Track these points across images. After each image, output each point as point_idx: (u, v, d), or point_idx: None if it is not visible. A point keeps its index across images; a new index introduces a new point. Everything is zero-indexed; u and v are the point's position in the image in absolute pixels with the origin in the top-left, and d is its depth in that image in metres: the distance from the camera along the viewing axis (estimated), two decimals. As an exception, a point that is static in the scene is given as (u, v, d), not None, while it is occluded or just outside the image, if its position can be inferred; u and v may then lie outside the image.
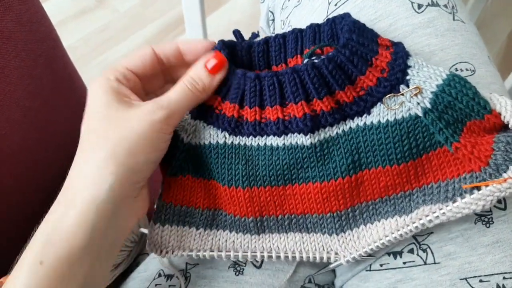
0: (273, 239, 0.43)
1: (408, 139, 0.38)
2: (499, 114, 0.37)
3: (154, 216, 0.43)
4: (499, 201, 0.40)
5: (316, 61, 0.39)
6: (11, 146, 0.56)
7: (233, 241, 0.43)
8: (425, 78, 0.38)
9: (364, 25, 0.41)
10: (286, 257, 0.42)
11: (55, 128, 0.65)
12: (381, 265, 0.43)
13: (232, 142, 0.41)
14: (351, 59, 0.38)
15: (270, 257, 0.42)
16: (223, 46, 0.41)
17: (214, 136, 0.41)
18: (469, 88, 0.37)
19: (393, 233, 0.39)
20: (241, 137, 0.41)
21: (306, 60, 0.41)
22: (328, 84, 0.39)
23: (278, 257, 0.42)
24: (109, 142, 0.35)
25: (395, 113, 0.39)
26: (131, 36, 1.69)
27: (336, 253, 0.42)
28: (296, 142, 0.40)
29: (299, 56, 0.44)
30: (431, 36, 0.44)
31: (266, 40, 0.44)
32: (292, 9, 0.55)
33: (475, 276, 0.39)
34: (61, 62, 0.66)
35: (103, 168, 0.35)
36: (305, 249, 0.43)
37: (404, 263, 0.41)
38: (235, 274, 0.46)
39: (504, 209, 0.40)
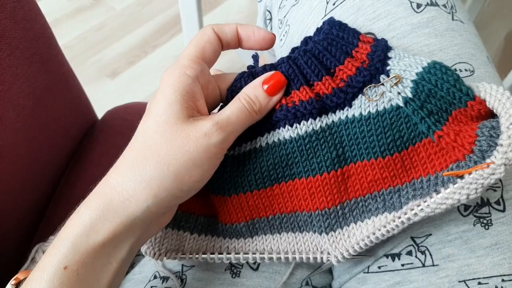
0: (266, 240, 0.43)
1: (391, 130, 0.37)
2: (484, 100, 0.35)
3: None
4: (497, 203, 0.40)
5: (292, 54, 0.39)
6: (4, 145, 0.56)
7: (227, 246, 0.43)
8: (405, 67, 0.37)
9: (346, 24, 0.40)
10: (279, 258, 0.42)
11: (50, 127, 0.64)
12: (379, 267, 0.42)
13: None
14: (329, 49, 0.38)
15: (263, 258, 0.42)
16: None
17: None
18: (450, 75, 0.36)
19: (379, 230, 0.38)
20: (229, 149, 0.40)
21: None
22: (305, 76, 0.39)
23: (271, 258, 0.42)
24: (159, 162, 0.34)
25: (376, 105, 0.38)
26: (127, 35, 1.69)
27: (328, 253, 0.41)
28: (279, 139, 0.39)
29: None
30: (430, 36, 0.43)
31: (274, 66, 0.42)
32: (289, 8, 0.55)
33: (474, 278, 0.38)
34: (56, 61, 0.65)
35: (147, 188, 0.33)
36: (299, 249, 0.42)
37: (403, 265, 0.41)
38: (232, 276, 0.45)
39: (503, 211, 0.40)
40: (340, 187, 0.40)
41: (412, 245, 0.41)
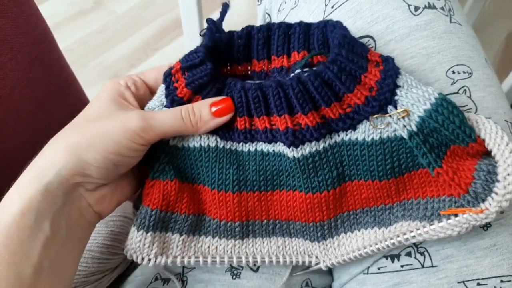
0: (256, 243, 0.43)
1: (391, 158, 0.39)
2: (483, 141, 0.36)
3: (136, 222, 0.41)
4: (496, 204, 0.40)
5: (303, 74, 0.38)
6: (6, 149, 0.56)
7: (216, 247, 0.43)
8: (413, 101, 0.37)
9: (354, 38, 0.40)
10: (270, 261, 0.42)
11: (51, 131, 0.65)
12: (378, 268, 0.43)
13: (223, 147, 0.41)
14: (339, 76, 0.38)
15: (254, 261, 0.43)
16: (206, 53, 0.40)
17: (204, 139, 0.41)
18: (456, 115, 0.36)
19: (371, 246, 0.40)
20: (232, 143, 0.41)
21: (297, 71, 0.40)
22: (314, 100, 0.39)
23: (263, 261, 0.42)
24: (78, 133, 0.37)
25: (380, 132, 0.39)
26: (129, 38, 1.69)
27: (317, 257, 0.43)
28: (283, 151, 0.40)
29: (285, 57, 0.44)
30: (428, 39, 0.44)
31: (248, 31, 0.44)
32: (288, 11, 0.55)
33: (473, 279, 0.38)
34: (57, 65, 0.66)
35: (59, 152, 0.36)
36: (287, 253, 0.43)
37: (402, 266, 0.41)
38: (232, 278, 0.45)
39: (502, 212, 0.40)
40: (336, 203, 0.41)
41: (411, 246, 0.41)
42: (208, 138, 0.41)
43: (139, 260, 0.41)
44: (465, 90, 0.43)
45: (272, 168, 0.41)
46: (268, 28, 0.44)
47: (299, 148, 0.39)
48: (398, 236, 0.38)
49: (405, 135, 0.38)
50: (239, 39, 0.44)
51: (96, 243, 0.50)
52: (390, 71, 0.38)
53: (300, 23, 0.43)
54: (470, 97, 0.42)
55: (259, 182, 0.42)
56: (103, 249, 0.49)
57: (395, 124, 0.38)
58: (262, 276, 0.46)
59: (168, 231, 0.42)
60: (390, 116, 0.38)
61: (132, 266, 0.54)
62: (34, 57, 0.59)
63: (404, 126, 0.38)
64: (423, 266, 0.40)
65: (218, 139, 0.41)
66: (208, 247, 0.43)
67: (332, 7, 0.49)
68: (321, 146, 0.39)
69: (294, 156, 0.39)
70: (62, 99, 0.67)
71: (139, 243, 0.40)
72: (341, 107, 0.39)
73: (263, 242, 0.43)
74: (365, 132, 0.39)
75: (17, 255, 0.33)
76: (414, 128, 0.37)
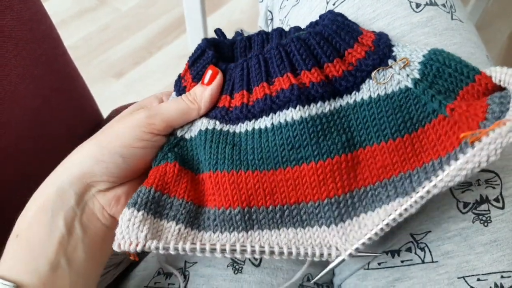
0: (263, 237, 0.38)
1: (401, 112, 0.37)
2: (490, 76, 0.35)
3: (129, 200, 0.37)
4: (497, 200, 0.40)
5: (302, 35, 0.39)
6: (11, 145, 0.56)
7: (214, 244, 0.37)
8: (411, 51, 0.38)
9: (347, 16, 0.42)
10: (281, 254, 0.36)
11: (55, 127, 0.65)
12: (379, 264, 0.43)
13: (221, 129, 0.41)
14: (338, 32, 0.39)
15: (261, 252, 0.36)
16: (208, 44, 0.42)
17: (205, 123, 0.41)
18: (453, 55, 0.37)
19: (395, 210, 0.34)
20: (230, 125, 0.41)
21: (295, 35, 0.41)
22: (316, 56, 0.39)
23: (272, 254, 0.36)
24: (93, 137, 0.40)
25: (385, 88, 0.38)
26: (132, 36, 1.70)
27: (337, 248, 0.36)
28: (285, 120, 0.38)
29: None
30: (429, 35, 0.44)
31: (249, 36, 0.45)
32: (290, 8, 0.55)
33: (473, 275, 0.39)
34: (62, 61, 0.66)
35: (75, 155, 0.40)
36: (302, 246, 0.37)
37: (402, 261, 0.41)
38: (234, 272, 0.46)
39: (502, 208, 0.40)
40: (350, 173, 0.38)
41: (411, 241, 0.41)
42: (208, 122, 0.41)
43: (126, 246, 0.35)
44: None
45: (272, 145, 0.38)
46: (267, 33, 0.45)
47: (305, 108, 0.38)
48: (424, 187, 0.33)
49: (410, 84, 0.37)
50: (240, 42, 0.45)
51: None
52: (384, 35, 0.40)
53: (295, 27, 0.45)
54: (471, 93, 0.43)
55: (257, 160, 0.39)
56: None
57: (398, 75, 0.38)
58: (264, 271, 0.46)
59: (163, 218, 0.38)
60: (391, 67, 0.38)
61: (135, 262, 0.54)
62: (39, 54, 0.59)
63: (407, 75, 0.37)
64: (423, 262, 0.41)
65: (217, 123, 0.41)
66: (209, 241, 0.38)
67: (334, 4, 0.49)
68: (327, 109, 0.38)
69: (301, 117, 0.37)
70: (67, 96, 0.68)
71: (128, 222, 0.36)
72: (344, 64, 0.39)
73: (272, 236, 0.38)
74: (370, 90, 0.38)
75: (36, 251, 0.35)
76: (418, 75, 0.37)
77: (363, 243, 0.35)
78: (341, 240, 0.36)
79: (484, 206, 0.40)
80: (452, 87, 0.36)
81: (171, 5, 1.78)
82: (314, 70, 0.38)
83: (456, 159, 0.32)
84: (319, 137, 0.38)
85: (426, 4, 0.45)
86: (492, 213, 0.40)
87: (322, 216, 0.37)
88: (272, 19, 0.63)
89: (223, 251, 0.36)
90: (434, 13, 0.45)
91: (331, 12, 0.41)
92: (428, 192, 0.33)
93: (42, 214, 0.36)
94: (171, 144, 0.41)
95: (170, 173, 0.39)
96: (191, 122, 0.42)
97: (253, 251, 0.36)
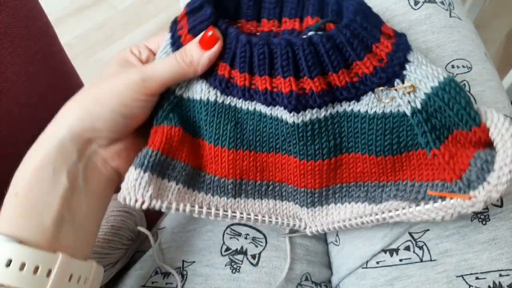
0: (248, 204, 0.43)
1: (391, 134, 0.38)
2: (488, 129, 0.35)
3: (135, 161, 0.39)
4: (495, 198, 0.40)
5: (315, 36, 0.37)
6: (8, 142, 0.56)
7: (209, 203, 0.42)
8: (421, 77, 0.37)
9: (370, 8, 0.39)
10: (263, 220, 0.42)
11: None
12: (377, 263, 0.43)
13: (223, 102, 0.40)
14: (351, 41, 0.37)
15: (248, 219, 0.42)
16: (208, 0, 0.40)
17: (205, 92, 0.40)
18: (463, 96, 0.35)
19: (356, 219, 0.39)
20: (232, 98, 0.40)
21: (310, 33, 0.39)
22: (323, 64, 0.37)
23: (256, 220, 0.42)
24: (88, 93, 0.39)
25: (384, 106, 0.38)
26: (129, 34, 1.69)
27: (305, 222, 0.43)
28: (281, 116, 0.39)
29: (297, 20, 0.43)
30: (428, 33, 0.44)
31: None
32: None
33: (472, 273, 0.39)
34: (58, 59, 0.66)
35: (71, 110, 0.38)
36: (278, 214, 0.43)
37: (401, 260, 0.41)
38: (232, 272, 0.46)
39: (501, 206, 0.40)
40: (330, 173, 0.41)
41: (410, 240, 0.41)
42: (209, 92, 0.40)
43: (132, 202, 0.38)
44: (464, 84, 0.43)
45: (269, 131, 0.41)
46: None
47: (300, 114, 0.38)
48: (383, 212, 0.38)
49: (408, 111, 0.37)
50: None
51: (97, 238, 0.50)
52: (402, 45, 0.38)
53: None
54: (469, 91, 0.43)
55: (255, 142, 0.41)
56: (104, 244, 0.49)
57: (399, 99, 0.37)
58: (262, 270, 0.46)
59: (165, 178, 0.40)
60: (396, 90, 0.37)
61: (132, 260, 0.54)
62: (35, 51, 0.59)
63: (409, 102, 0.37)
64: (421, 260, 0.40)
65: (219, 94, 0.40)
66: (202, 201, 0.42)
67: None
68: (322, 115, 0.39)
69: (294, 122, 0.38)
70: (63, 93, 0.67)
71: (135, 182, 0.38)
72: (349, 75, 0.38)
73: (255, 204, 0.43)
74: (368, 104, 0.38)
75: (39, 206, 0.35)
76: (419, 106, 0.37)
77: (323, 229, 0.42)
78: (309, 219, 0.43)
79: (482, 205, 0.40)
80: (449, 125, 0.36)
81: (168, 3, 1.78)
82: (317, 79, 0.37)
83: (418, 204, 0.36)
84: (307, 141, 0.39)
85: (425, 1, 0.45)
86: (491, 211, 0.40)
87: (298, 198, 0.42)
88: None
89: (216, 215, 0.41)
90: (433, 10, 0.45)
91: (354, 1, 0.39)
92: (384, 219, 0.38)
93: (42, 171, 0.36)
94: (172, 103, 0.41)
95: (175, 137, 0.40)
96: (189, 81, 0.41)
97: (241, 218, 0.42)
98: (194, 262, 0.47)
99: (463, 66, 0.43)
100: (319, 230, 0.42)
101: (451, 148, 0.36)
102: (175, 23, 0.42)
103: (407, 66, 0.37)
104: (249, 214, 0.42)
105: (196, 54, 0.39)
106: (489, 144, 0.35)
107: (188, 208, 0.39)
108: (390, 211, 0.37)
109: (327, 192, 0.42)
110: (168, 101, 0.41)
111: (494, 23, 1.38)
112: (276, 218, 0.43)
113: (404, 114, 0.37)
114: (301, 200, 0.42)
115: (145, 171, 0.38)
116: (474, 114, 0.35)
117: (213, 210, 0.41)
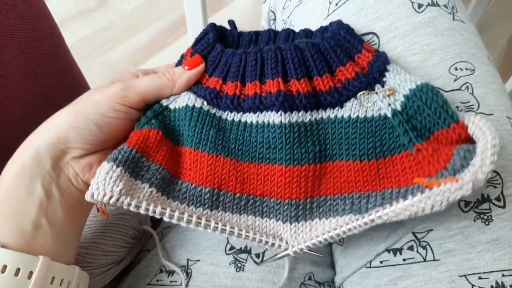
0: (225, 218, 0.41)
1: (373, 137, 0.39)
2: (466, 126, 0.36)
3: (110, 155, 0.38)
4: (498, 199, 0.40)
5: (301, 44, 0.40)
6: (13, 143, 0.56)
7: (183, 213, 0.39)
8: (400, 82, 0.39)
9: (353, 29, 0.43)
10: (239, 235, 0.39)
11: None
12: (381, 262, 0.43)
13: (208, 110, 0.42)
14: (335, 49, 0.40)
15: (222, 230, 0.39)
16: (213, 28, 0.44)
17: (192, 100, 0.42)
18: (440, 97, 0.37)
19: (342, 227, 0.37)
20: (217, 110, 0.42)
21: (296, 41, 0.42)
22: (308, 68, 0.40)
23: (231, 233, 0.39)
24: (71, 104, 0.41)
25: (366, 111, 0.40)
26: (134, 37, 1.70)
27: (287, 242, 0.40)
28: (268, 121, 0.41)
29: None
30: (431, 36, 0.44)
31: (257, 31, 0.47)
32: (293, 8, 0.55)
33: (474, 273, 0.39)
34: (64, 60, 0.66)
35: (52, 118, 0.40)
36: (257, 232, 0.40)
37: (404, 260, 0.42)
38: (236, 270, 0.46)
39: (503, 207, 0.40)
40: (315, 181, 0.41)
41: (413, 240, 0.42)
42: (196, 100, 0.42)
43: (100, 197, 0.36)
44: (467, 86, 0.43)
45: (253, 140, 0.41)
46: (276, 31, 0.47)
47: (287, 114, 0.40)
48: (370, 214, 0.36)
49: (389, 113, 0.39)
50: (248, 35, 0.47)
51: (103, 236, 0.50)
52: (382, 57, 0.40)
53: (305, 29, 0.46)
54: (472, 93, 0.43)
55: (237, 150, 0.41)
56: (109, 242, 0.50)
57: (380, 102, 0.39)
58: (266, 269, 0.46)
59: (138, 178, 0.39)
60: (376, 93, 0.39)
61: (136, 259, 0.55)
62: (41, 52, 0.59)
63: (389, 104, 0.39)
64: (425, 260, 0.41)
65: (205, 103, 0.42)
66: (175, 210, 0.39)
67: (336, 5, 0.49)
68: (308, 119, 0.40)
69: (281, 122, 0.40)
70: (68, 95, 0.67)
71: (105, 175, 0.37)
72: (332, 80, 0.40)
73: (233, 218, 0.41)
74: (351, 109, 0.40)
75: (18, 212, 0.36)
76: (399, 107, 0.38)
77: (307, 246, 0.39)
78: (292, 236, 0.40)
79: (485, 205, 0.40)
80: (429, 126, 0.37)
81: (172, 6, 1.79)
82: (303, 81, 0.40)
83: (405, 198, 0.34)
84: (294, 143, 0.40)
85: (428, 4, 0.45)
86: (493, 212, 0.40)
87: (281, 213, 0.41)
88: (274, 20, 0.63)
89: (189, 221, 0.38)
90: (436, 13, 0.45)
91: (338, 24, 0.42)
92: (372, 220, 0.36)
93: (20, 177, 0.37)
94: (155, 111, 0.42)
95: (152, 138, 0.41)
96: (177, 94, 0.43)
97: (215, 228, 0.39)
98: (198, 260, 0.47)
99: (466, 69, 0.44)
100: (303, 248, 0.39)
101: (434, 145, 0.37)
102: (181, 58, 0.46)
103: (386, 73, 0.40)
104: (224, 225, 0.39)
105: (178, 71, 0.42)
106: (470, 141, 0.36)
107: (158, 210, 0.37)
108: (377, 211, 0.36)
109: (311, 204, 0.41)
110: (151, 110, 0.42)
111: (496, 27, 1.38)
112: (254, 235, 0.40)
113: (386, 117, 0.39)
114: (284, 215, 0.41)
115: (117, 166, 0.37)
116: (452, 112, 0.36)
117: (185, 216, 0.38)
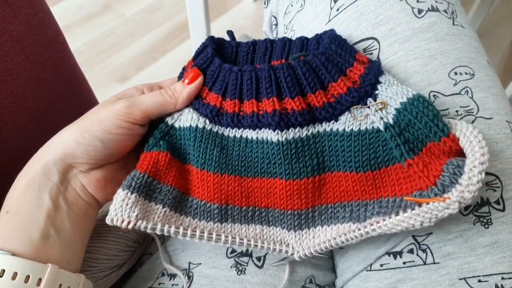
0: (234, 229, 0.44)
1: (367, 150, 0.40)
2: (458, 139, 0.37)
3: (124, 182, 0.41)
4: (497, 203, 0.40)
5: (293, 62, 0.41)
6: (17, 147, 0.57)
7: (195, 228, 0.43)
8: (392, 95, 0.40)
9: (345, 40, 0.43)
10: (248, 244, 0.43)
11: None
12: (381, 265, 0.43)
13: (211, 129, 0.43)
14: (326, 65, 0.41)
15: (233, 242, 0.43)
16: (211, 42, 0.45)
17: (195, 119, 0.43)
18: (431, 110, 0.38)
19: (340, 236, 0.40)
20: (219, 127, 0.43)
21: (289, 61, 0.43)
22: (301, 86, 0.41)
23: (241, 244, 0.43)
24: (78, 120, 0.43)
25: (359, 124, 0.41)
26: (136, 41, 1.71)
27: (293, 247, 0.43)
28: (267, 138, 0.42)
29: (283, 60, 0.47)
30: (431, 40, 0.44)
31: (254, 41, 0.48)
32: (295, 13, 0.56)
33: (474, 276, 0.39)
34: (68, 65, 0.67)
35: (60, 134, 0.42)
36: (265, 240, 0.44)
37: (404, 263, 0.42)
38: (237, 273, 0.46)
39: (503, 210, 0.40)
40: (315, 192, 0.43)
41: (413, 243, 0.42)
42: (198, 119, 0.43)
43: (119, 222, 0.39)
44: (467, 90, 0.43)
45: (254, 155, 0.43)
46: (272, 40, 0.48)
47: (283, 132, 0.41)
48: (365, 227, 0.39)
49: (381, 126, 0.40)
50: (246, 46, 0.48)
51: (106, 240, 0.51)
52: (374, 69, 0.41)
53: (301, 37, 0.46)
54: (472, 97, 0.43)
55: (240, 167, 0.43)
56: (111, 246, 0.50)
57: (373, 115, 0.40)
58: (267, 272, 0.46)
59: (151, 201, 0.42)
60: (368, 107, 0.40)
61: (138, 262, 0.55)
62: (46, 57, 0.60)
63: (381, 118, 0.40)
64: (425, 263, 0.41)
65: (207, 122, 0.43)
66: (188, 226, 0.43)
67: (338, 10, 0.50)
68: (304, 134, 0.42)
69: (278, 140, 0.41)
70: (72, 99, 0.68)
71: (122, 202, 0.40)
72: (326, 96, 0.41)
73: (242, 229, 0.44)
74: (345, 123, 0.41)
75: (27, 223, 0.38)
76: (391, 121, 0.39)
77: (310, 252, 0.42)
78: (296, 243, 0.43)
79: (484, 208, 0.40)
80: (421, 138, 0.39)
81: (175, 10, 1.80)
82: (297, 99, 0.41)
83: (397, 214, 0.37)
84: (292, 159, 0.42)
85: (428, 10, 0.46)
86: (493, 215, 0.40)
87: (285, 222, 0.43)
88: (276, 25, 0.64)
89: (201, 237, 0.42)
90: (436, 18, 0.45)
91: (329, 36, 0.43)
92: (367, 232, 0.38)
93: (29, 190, 0.39)
94: (162, 131, 0.44)
95: (162, 161, 0.43)
96: (180, 111, 0.45)
97: (226, 241, 0.43)
98: (200, 264, 0.48)
99: (466, 73, 0.44)
100: (306, 254, 0.42)
101: (425, 158, 0.38)
102: (182, 70, 0.47)
103: (378, 86, 0.41)
104: (234, 238, 0.43)
105: (179, 87, 0.44)
106: (461, 153, 0.38)
107: (172, 230, 0.41)
108: (371, 224, 0.38)
109: (313, 213, 0.43)
110: (159, 130, 0.44)
111: (498, 31, 1.38)
112: (263, 243, 0.43)
113: (378, 130, 0.40)
114: (288, 224, 0.43)
115: (132, 192, 0.40)
116: (443, 126, 0.38)
117: (197, 233, 0.42)
